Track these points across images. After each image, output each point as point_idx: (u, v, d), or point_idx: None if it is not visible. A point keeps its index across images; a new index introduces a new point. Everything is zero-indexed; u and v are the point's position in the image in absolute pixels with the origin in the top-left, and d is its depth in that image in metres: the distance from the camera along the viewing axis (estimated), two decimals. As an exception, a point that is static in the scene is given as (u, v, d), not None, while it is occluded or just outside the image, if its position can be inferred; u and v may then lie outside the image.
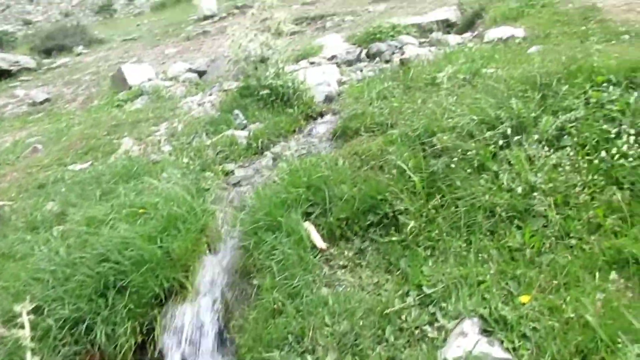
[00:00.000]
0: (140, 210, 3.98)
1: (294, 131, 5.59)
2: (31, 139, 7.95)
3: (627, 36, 5.73)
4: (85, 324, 3.28)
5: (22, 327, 2.81)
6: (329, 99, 6.27)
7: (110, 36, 20.18)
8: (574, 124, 3.74)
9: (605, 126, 3.60)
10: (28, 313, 2.85)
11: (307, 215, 3.69)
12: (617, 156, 3.39)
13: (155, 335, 3.42)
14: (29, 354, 2.77)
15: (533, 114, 3.91)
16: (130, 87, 9.89)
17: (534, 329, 2.63)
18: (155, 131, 6.38)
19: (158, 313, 3.47)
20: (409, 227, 3.40)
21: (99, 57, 16.26)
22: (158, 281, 3.46)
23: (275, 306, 3.08)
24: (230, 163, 5.04)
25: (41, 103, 12.12)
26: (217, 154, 5.17)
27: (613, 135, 3.52)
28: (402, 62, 6.84)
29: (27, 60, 16.22)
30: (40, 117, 10.84)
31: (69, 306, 3.30)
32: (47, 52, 18.07)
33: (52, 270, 3.52)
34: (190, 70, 10.31)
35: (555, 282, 2.91)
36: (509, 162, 3.66)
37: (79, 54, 17.62)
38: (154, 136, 6.15)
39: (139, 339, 3.40)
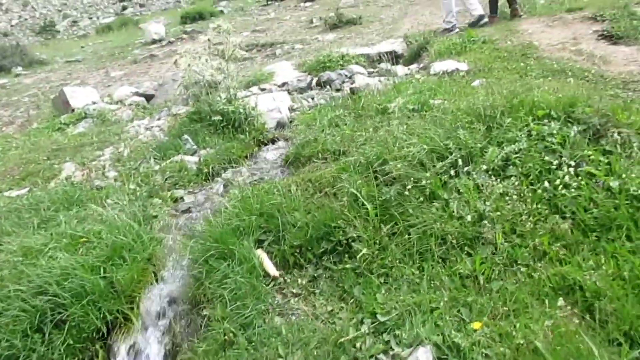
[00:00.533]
0: (82, 239, 3.77)
1: (246, 157, 5.53)
2: (-37, 163, 7.45)
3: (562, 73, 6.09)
4: (19, 362, 3.04)
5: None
6: (280, 125, 6.27)
7: (52, 57, 19.51)
8: (518, 155, 3.90)
9: (547, 157, 3.78)
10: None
11: (259, 243, 3.62)
12: (559, 186, 3.56)
13: (97, 372, 3.22)
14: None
15: (479, 145, 4.05)
16: (72, 110, 9.51)
17: (486, 355, 2.66)
18: (100, 156, 6.14)
19: (100, 348, 3.27)
20: (361, 254, 3.40)
21: (39, 79, 15.63)
22: (100, 314, 3.27)
23: (226, 337, 2.97)
24: (180, 189, 4.90)
25: (-25, 125, 11.45)
26: (166, 179, 5.02)
27: (554, 166, 3.70)
28: (352, 91, 6.98)
29: (-38, 80, 15.39)
30: (-26, 140, 10.21)
31: (1, 343, 3.05)
32: (-17, 73, 17.23)
33: (-18, 305, 3.26)
34: (137, 94, 10.06)
35: (505, 308, 2.97)
36: (459, 190, 3.76)
37: (17, 75, 16.88)
38: (98, 161, 5.91)
39: (78, 378, 3.19)
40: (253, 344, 2.91)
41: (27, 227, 4.26)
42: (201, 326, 3.21)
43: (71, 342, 3.15)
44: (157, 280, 3.62)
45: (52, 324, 3.18)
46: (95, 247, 3.65)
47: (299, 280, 3.41)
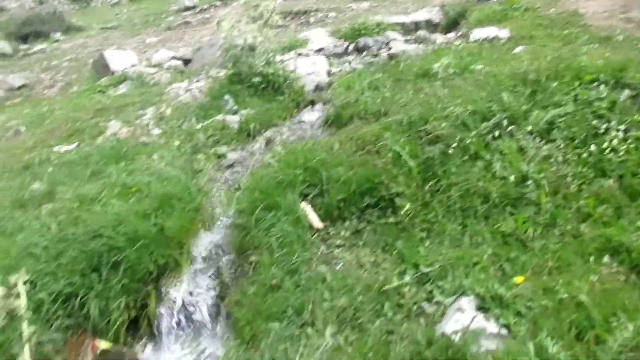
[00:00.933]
0: (133, 189, 3.93)
1: (285, 118, 5.61)
2: (12, 122, 7.73)
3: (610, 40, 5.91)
4: (79, 298, 3.23)
5: (18, 297, 2.77)
6: (318, 88, 6.31)
7: (88, 24, 19.74)
8: (563, 118, 3.87)
9: (594, 122, 3.74)
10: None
11: (303, 196, 3.72)
12: (606, 150, 3.53)
13: (149, 311, 3.39)
14: (25, 324, 2.73)
15: (523, 108, 4.03)
16: (112, 73, 9.70)
17: (529, 307, 2.70)
18: (142, 115, 6.29)
19: (152, 289, 3.44)
20: (404, 210, 3.46)
21: (77, 45, 15.89)
22: (152, 258, 3.43)
23: (273, 282, 3.09)
24: (222, 147, 5.02)
25: (18, 88, 11.78)
26: (208, 137, 5.14)
27: (602, 131, 3.66)
28: (391, 57, 6.94)
29: (3, 46, 15.75)
30: (18, 102, 10.53)
31: (62, 280, 3.24)
32: (23, 39, 17.54)
33: (44, 246, 3.45)
34: (174, 57, 10.18)
35: (548, 265, 3.00)
36: (502, 152, 3.77)
37: (56, 41, 17.17)
38: (142, 120, 6.07)
39: (132, 315, 3.37)
40: (299, 288, 3.03)
41: (79, 178, 4.45)
42: (248, 272, 3.34)
43: (126, 282, 3.32)
44: (204, 229, 3.77)
45: (108, 265, 3.35)
46: (146, 196, 3.81)
47: (342, 233, 3.50)
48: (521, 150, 3.77)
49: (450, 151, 3.73)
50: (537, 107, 4.06)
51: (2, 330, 2.87)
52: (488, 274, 2.96)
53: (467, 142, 3.78)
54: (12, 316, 2.94)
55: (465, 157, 3.72)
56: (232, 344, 2.55)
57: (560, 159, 3.62)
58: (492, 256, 3.12)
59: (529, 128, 3.83)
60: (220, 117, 5.57)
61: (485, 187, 3.54)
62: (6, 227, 3.86)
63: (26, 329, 2.70)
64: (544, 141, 3.80)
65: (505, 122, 3.92)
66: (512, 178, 3.56)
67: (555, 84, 4.20)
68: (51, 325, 3.10)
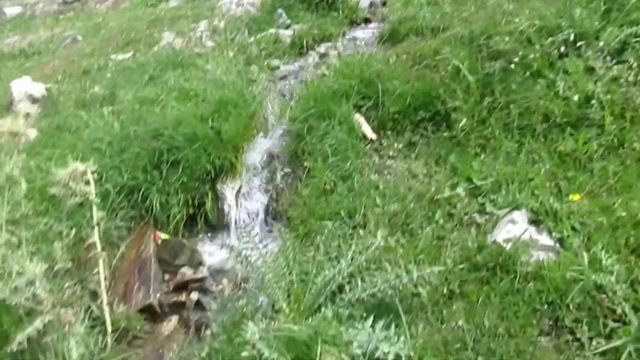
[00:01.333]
0: (191, 94, 4.02)
1: (339, 35, 5.49)
2: (68, 32, 7.89)
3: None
4: (141, 192, 3.41)
5: (88, 184, 2.94)
6: (374, 5, 6.11)
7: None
8: (638, 39, 3.62)
9: (673, 44, 3.49)
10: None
11: (357, 108, 3.70)
12: (683, 75, 3.32)
13: (206, 209, 3.56)
14: (95, 208, 2.92)
15: (596, 25, 3.79)
16: (163, -14, 9.62)
17: (584, 223, 2.68)
18: (196, 28, 6.29)
19: (209, 189, 3.59)
20: (460, 125, 3.41)
21: (127, -41, 15.74)
22: (209, 159, 3.55)
23: (327, 186, 3.17)
24: (275, 60, 5.00)
25: (71, 3, 11.93)
26: (261, 50, 5.12)
27: (682, 54, 3.43)
28: (453, -26, 6.57)
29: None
30: (72, 15, 10.69)
31: (125, 175, 3.41)
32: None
33: (109, 142, 3.61)
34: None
35: (606, 185, 2.94)
36: (567, 70, 3.60)
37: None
38: (195, 32, 6.07)
39: (190, 212, 3.54)
40: (352, 193, 3.09)
41: (137, 83, 4.56)
42: (301, 176, 3.43)
43: (185, 180, 3.48)
44: (259, 135, 3.85)
45: (168, 163, 3.50)
46: (203, 100, 3.89)
47: (396, 145, 3.50)
48: (588, 70, 3.58)
49: (512, 68, 3.59)
50: (611, 25, 3.81)
51: (72, 215, 3.08)
52: (543, 190, 2.92)
53: (531, 58, 3.61)
54: (81, 203, 3.15)
55: (527, 75, 3.57)
56: (288, 236, 2.66)
57: (631, 79, 3.43)
58: (549, 174, 3.07)
59: (600, 46, 3.62)
60: (272, 30, 5.51)
61: (546, 106, 3.42)
62: (72, 124, 4.04)
63: (96, 213, 2.88)
64: (614, 61, 3.59)
65: (573, 40, 3.71)
66: (575, 98, 3.41)
67: (633, 0, 3.90)
68: (116, 215, 3.30)
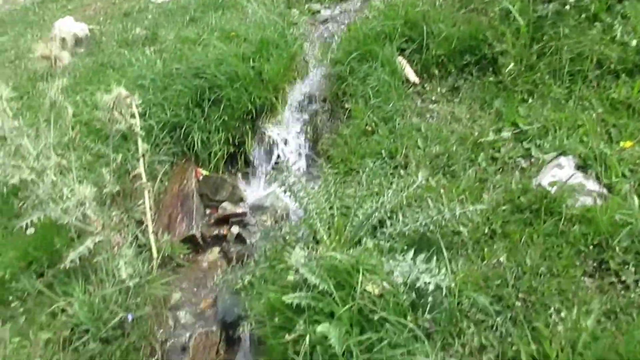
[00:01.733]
0: (232, 34, 3.99)
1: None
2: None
3: None
4: (183, 129, 3.45)
5: (133, 116, 2.99)
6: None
7: None
8: (702, -17, 3.39)
9: None
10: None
11: (401, 51, 3.62)
12: None
13: (246, 147, 3.59)
14: (140, 140, 2.97)
15: (660, -33, 3.56)
16: None
17: (634, 170, 2.60)
18: (234, -29, 6.18)
19: (249, 128, 3.61)
20: (507, 69, 3.30)
21: None
22: (250, 98, 3.56)
23: (368, 127, 3.14)
24: (316, 4, 4.89)
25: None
26: (301, -5, 5.01)
27: None
28: None
29: None
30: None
31: (168, 111, 3.46)
32: None
33: (152, 79, 3.65)
34: None
35: (661, 134, 2.82)
36: (625, 15, 3.42)
37: None
38: (234, -26, 5.97)
39: (231, 150, 3.59)
40: (393, 134, 3.06)
41: (178, 23, 4.56)
42: (341, 117, 3.41)
43: (226, 118, 3.50)
44: (299, 77, 3.82)
45: (210, 101, 3.52)
46: (244, 40, 3.86)
47: (439, 89, 3.43)
48: (648, 15, 3.39)
49: (566, 10, 3.42)
50: (675, -32, 3.58)
51: (117, 147, 3.15)
52: (592, 136, 2.83)
53: (587, 1, 3.44)
54: (125, 137, 3.22)
55: (582, 18, 3.40)
56: (329, 172, 2.67)
57: (696, 26, 3.24)
58: (599, 121, 2.96)
59: (665, -10, 3.41)
60: (314, -26, 5.36)
61: (600, 52, 3.27)
62: (116, 61, 4.09)
63: (141, 145, 2.94)
64: (681, 5, 3.39)
65: (635, -17, 3.51)
66: (634, 43, 3.25)
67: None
68: (159, 150, 3.37)
